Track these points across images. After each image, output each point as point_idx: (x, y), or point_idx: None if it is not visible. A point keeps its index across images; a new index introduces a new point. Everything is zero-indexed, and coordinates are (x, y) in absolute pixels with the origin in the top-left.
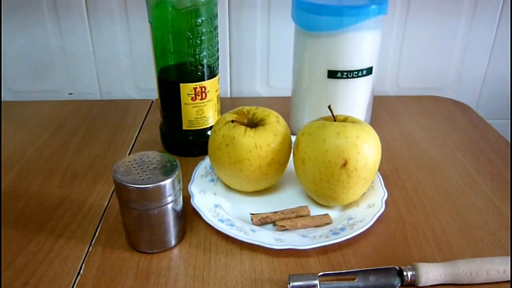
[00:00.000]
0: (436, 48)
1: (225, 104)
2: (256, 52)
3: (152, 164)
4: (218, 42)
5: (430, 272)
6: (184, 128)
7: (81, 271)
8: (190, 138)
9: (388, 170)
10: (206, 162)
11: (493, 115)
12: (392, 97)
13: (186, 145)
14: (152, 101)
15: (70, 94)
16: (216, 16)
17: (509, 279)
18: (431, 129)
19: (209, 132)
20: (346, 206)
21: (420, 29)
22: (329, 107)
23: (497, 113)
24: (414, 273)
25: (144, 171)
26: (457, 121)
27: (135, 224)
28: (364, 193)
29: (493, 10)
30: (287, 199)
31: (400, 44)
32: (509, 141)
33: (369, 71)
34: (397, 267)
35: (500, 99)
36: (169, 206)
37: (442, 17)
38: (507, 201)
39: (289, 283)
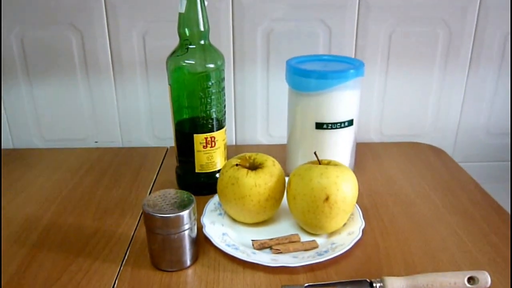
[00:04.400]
0: (414, 100)
1: (231, 150)
2: (257, 107)
3: (173, 199)
4: (225, 100)
5: (395, 283)
6: (196, 171)
7: (115, 286)
8: (202, 179)
9: (369, 205)
10: (215, 199)
11: (470, 158)
12: (376, 144)
13: (198, 186)
14: (167, 149)
15: (96, 142)
16: (223, 79)
17: None
18: (408, 171)
19: (217, 175)
20: (330, 234)
21: (398, 84)
22: (315, 153)
23: (472, 156)
24: (382, 284)
25: (167, 204)
26: (432, 164)
27: (159, 246)
28: (345, 224)
29: (462, 66)
30: (281, 228)
31: (382, 97)
32: (478, 182)
33: (350, 122)
34: (368, 280)
35: (474, 144)
36: (186, 232)
37: (417, 73)
38: (467, 230)
39: None
